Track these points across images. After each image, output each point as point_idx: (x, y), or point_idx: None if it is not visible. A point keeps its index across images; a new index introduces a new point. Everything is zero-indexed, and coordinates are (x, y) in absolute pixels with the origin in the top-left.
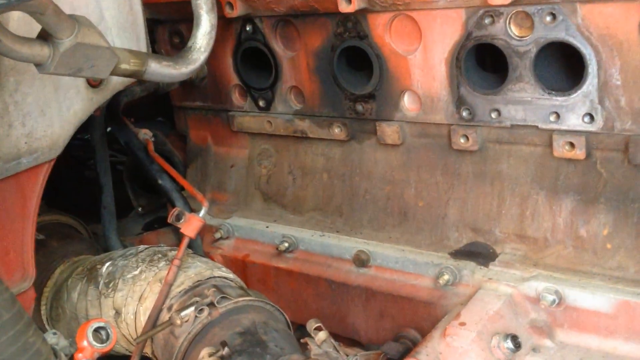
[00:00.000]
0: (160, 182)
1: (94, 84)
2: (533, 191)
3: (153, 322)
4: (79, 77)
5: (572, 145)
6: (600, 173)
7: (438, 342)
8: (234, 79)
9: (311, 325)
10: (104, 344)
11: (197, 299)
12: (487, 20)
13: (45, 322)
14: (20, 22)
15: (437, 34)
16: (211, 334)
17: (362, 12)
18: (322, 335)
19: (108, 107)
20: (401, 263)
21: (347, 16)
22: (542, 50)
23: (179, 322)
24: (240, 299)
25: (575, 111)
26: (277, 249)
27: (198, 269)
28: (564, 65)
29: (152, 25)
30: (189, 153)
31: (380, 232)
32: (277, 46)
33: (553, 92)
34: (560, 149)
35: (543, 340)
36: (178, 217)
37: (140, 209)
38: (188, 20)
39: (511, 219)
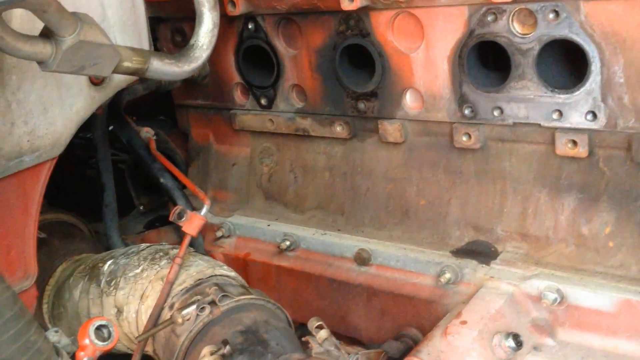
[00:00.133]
0: (162, 180)
1: (96, 82)
2: (535, 189)
3: (154, 321)
4: (81, 75)
5: (574, 143)
6: (603, 171)
7: (439, 340)
8: (236, 77)
9: (312, 323)
10: (106, 342)
11: (199, 297)
12: (489, 18)
13: (47, 320)
14: (23, 19)
15: (440, 32)
16: (212, 333)
17: (365, 10)
18: (323, 333)
19: (110, 106)
20: (402, 261)
21: (349, 14)
22: (545, 48)
23: (180, 320)
24: (242, 297)
25: (578, 109)
26: (278, 247)
27: (199, 267)
28: (566, 63)
29: (154, 24)
30: (190, 151)
31: (382, 231)
32: (279, 44)
33: (556, 90)
34: (563, 147)
35: (544, 339)
36: (180, 216)
37: (141, 208)
38: (190, 18)
39: (513, 218)
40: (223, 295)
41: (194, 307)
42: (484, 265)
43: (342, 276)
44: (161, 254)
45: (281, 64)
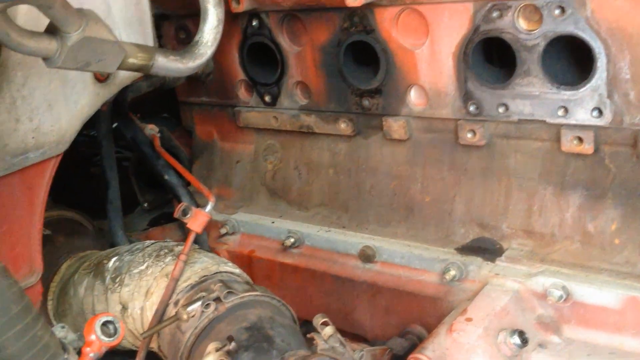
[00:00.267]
0: (166, 177)
1: (101, 78)
2: (540, 186)
3: (159, 317)
4: (86, 71)
5: (580, 139)
6: (609, 168)
7: (444, 337)
8: (240, 74)
9: (318, 320)
10: (112, 338)
11: (204, 294)
12: (495, 14)
13: (51, 317)
14: (28, 15)
15: (445, 28)
16: (217, 329)
17: (369, 7)
18: (328, 330)
19: (114, 103)
20: (407, 259)
21: (353, 10)
22: (551, 44)
23: (185, 317)
24: (247, 294)
25: (583, 105)
26: (282, 244)
27: (204, 264)
28: (572, 59)
29: (158, 21)
30: (194, 149)
31: (386, 228)
32: (284, 41)
33: (561, 87)
34: (568, 144)
35: (550, 336)
36: (184, 212)
37: (146, 205)
38: (194, 15)
39: (518, 215)
40: (228, 292)
41: (199, 303)
42: (489, 263)
43: (347, 273)
44: (166, 250)
45: (285, 61)
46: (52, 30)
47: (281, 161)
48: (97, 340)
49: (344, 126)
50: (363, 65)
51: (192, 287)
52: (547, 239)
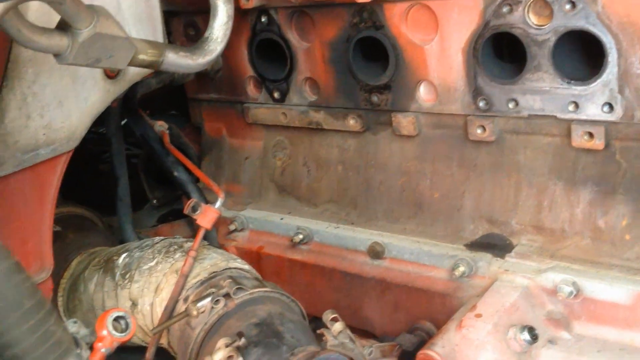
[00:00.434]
0: (175, 173)
1: (111, 75)
2: (551, 182)
3: (169, 313)
4: (97, 67)
5: (591, 135)
6: (620, 163)
7: (454, 333)
8: (249, 71)
9: (327, 316)
10: (124, 334)
11: (213, 290)
12: (505, 9)
13: (62, 313)
14: (39, 12)
15: (454, 24)
16: (227, 325)
17: (378, 2)
18: (338, 326)
19: (124, 99)
20: (416, 255)
21: (362, 6)
22: (561, 39)
23: (195, 313)
24: (256, 290)
25: (594, 100)
26: (291, 240)
27: (214, 260)
28: (582, 54)
29: (167, 17)
30: (203, 145)
31: (395, 224)
32: (292, 37)
33: (572, 82)
34: (579, 139)
35: (560, 332)
36: (194, 209)
37: (154, 202)
38: (203, 12)
39: (528, 210)
40: (237, 288)
41: (208, 299)
42: (498, 259)
43: (356, 269)
44: (175, 247)
45: (294, 57)
46: (63, 27)
47: (290, 157)
48: (109, 336)
49: (353, 122)
50: (372, 61)
51: (202, 283)
52: (557, 234)
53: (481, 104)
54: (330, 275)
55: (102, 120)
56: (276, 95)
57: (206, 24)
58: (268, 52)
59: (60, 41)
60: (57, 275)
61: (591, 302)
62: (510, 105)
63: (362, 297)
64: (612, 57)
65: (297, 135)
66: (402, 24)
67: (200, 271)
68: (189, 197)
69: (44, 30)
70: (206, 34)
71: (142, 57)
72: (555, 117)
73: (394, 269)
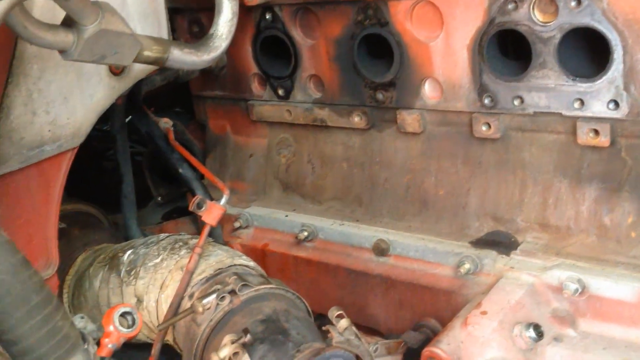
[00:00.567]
0: (180, 170)
1: (116, 71)
2: (556, 179)
3: (175, 310)
4: (102, 64)
5: (596, 132)
6: (625, 160)
7: (459, 331)
8: (253, 68)
9: (333, 312)
10: (130, 329)
11: (219, 286)
12: (510, 6)
13: (67, 310)
14: (44, 8)
15: (459, 21)
16: (233, 322)
17: None
18: (344, 322)
19: (128, 96)
20: (421, 252)
21: (367, 3)
22: (566, 36)
23: (200, 309)
24: (262, 286)
25: (600, 98)
26: (296, 238)
27: (219, 257)
28: (588, 51)
29: (172, 14)
30: (208, 142)
31: (400, 221)
32: (297, 34)
33: (577, 79)
34: (585, 136)
35: (565, 329)
36: (199, 205)
37: (159, 199)
38: (207, 9)
39: (533, 208)
40: (243, 285)
41: (214, 296)
42: (503, 256)
43: (361, 267)
44: (180, 243)
45: (299, 54)
46: (68, 23)
47: (294, 155)
48: (116, 331)
49: (357, 119)
50: (377, 58)
51: (207, 279)
52: (563, 232)
53: (486, 101)
54: (335, 273)
55: (106, 118)
56: (281, 92)
57: (210, 21)
58: (272, 49)
59: (65, 37)
60: (62, 272)
61: (597, 300)
62: (516, 102)
63: (367, 294)
64: (617, 54)
65: (302, 133)
66: (407, 21)
67: (206, 268)
68: (193, 194)
69: (50, 26)
70: (211, 31)
71: (147, 53)
72: (560, 114)
73: (399, 266)
